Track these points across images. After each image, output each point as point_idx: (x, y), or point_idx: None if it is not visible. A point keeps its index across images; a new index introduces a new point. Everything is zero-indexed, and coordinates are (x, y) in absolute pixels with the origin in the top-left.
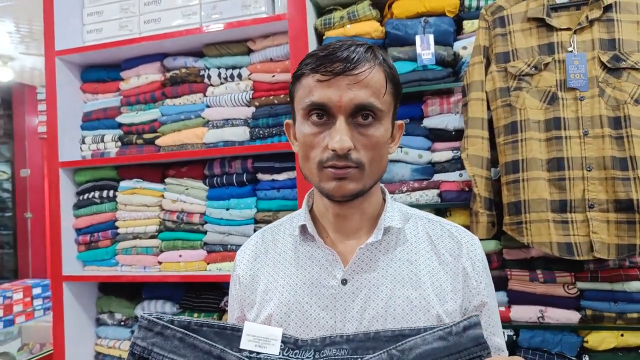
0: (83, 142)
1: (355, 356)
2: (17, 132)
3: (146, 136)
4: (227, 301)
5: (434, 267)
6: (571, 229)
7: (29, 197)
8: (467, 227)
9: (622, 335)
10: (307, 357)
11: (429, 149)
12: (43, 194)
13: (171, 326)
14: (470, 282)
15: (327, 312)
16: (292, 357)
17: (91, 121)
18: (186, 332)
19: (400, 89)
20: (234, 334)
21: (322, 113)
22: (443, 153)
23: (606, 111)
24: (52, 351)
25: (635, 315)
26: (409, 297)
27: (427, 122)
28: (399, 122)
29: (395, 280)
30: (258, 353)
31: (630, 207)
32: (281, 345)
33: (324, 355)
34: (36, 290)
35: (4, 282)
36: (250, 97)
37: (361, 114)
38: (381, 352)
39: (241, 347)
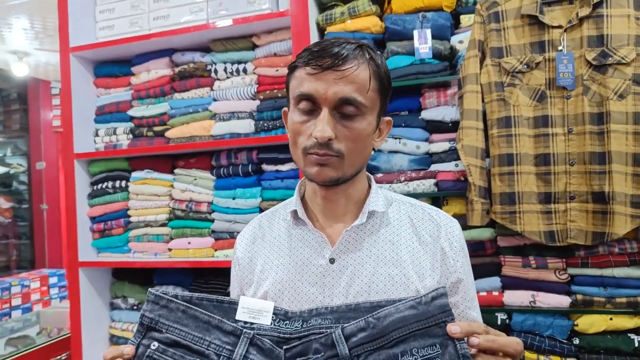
0: (96, 135)
1: (337, 325)
2: (32, 126)
3: (156, 129)
4: None
5: (414, 247)
6: (554, 218)
7: (45, 189)
8: (463, 216)
9: (611, 319)
10: (295, 327)
11: (426, 140)
12: (58, 186)
13: (175, 300)
14: (447, 260)
15: (317, 288)
16: (282, 327)
17: (104, 114)
18: (188, 305)
19: (388, 86)
20: (230, 307)
21: (310, 104)
22: (440, 144)
23: (589, 108)
24: (69, 334)
25: (623, 299)
26: (390, 274)
27: (425, 114)
28: (387, 118)
29: (378, 259)
30: (252, 323)
31: (603, 198)
32: (272, 317)
33: (310, 324)
34: (52, 280)
35: (21, 271)
36: (255, 90)
37: (345, 108)
38: (360, 319)
39: (237, 318)
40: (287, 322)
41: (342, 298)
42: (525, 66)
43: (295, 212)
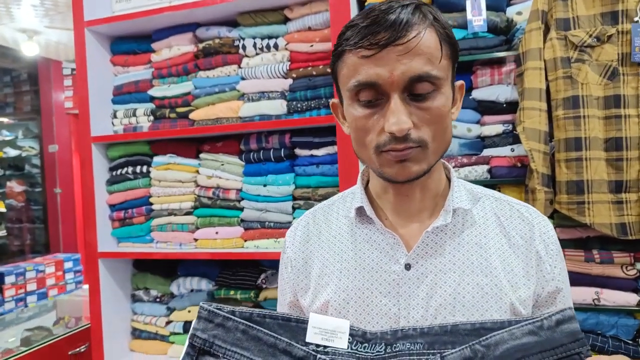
0: (115, 117)
1: (433, 351)
2: (44, 108)
3: (179, 110)
4: (264, 278)
5: (504, 251)
6: (625, 209)
7: (58, 172)
8: None
9: None
10: (379, 352)
11: (478, 122)
12: (72, 169)
13: (233, 317)
14: (544, 266)
15: (390, 298)
16: (362, 352)
17: (122, 95)
18: (249, 323)
19: (457, 48)
20: (299, 326)
21: (373, 92)
22: (493, 127)
23: None
24: (88, 325)
25: None
26: (480, 284)
27: (477, 94)
28: (459, 82)
29: (464, 265)
30: (325, 347)
31: None
32: (349, 339)
33: (397, 349)
34: (67, 264)
35: (36, 256)
36: (288, 68)
37: (417, 87)
38: (463, 347)
39: (307, 340)
40: (367, 344)
41: (422, 311)
42: (596, 39)
43: (361, 209)
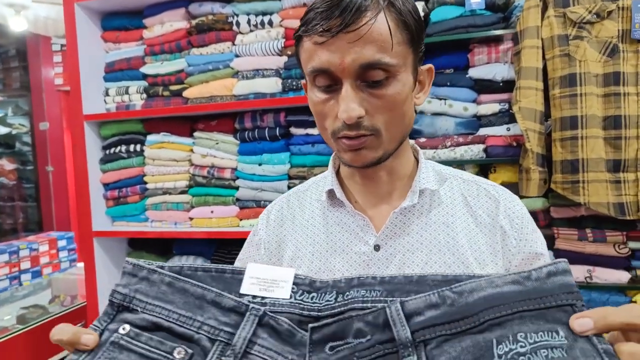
0: (107, 94)
1: (392, 298)
2: (33, 85)
3: (173, 88)
4: None
5: (471, 229)
6: (623, 188)
7: (50, 150)
8: (514, 184)
9: None
10: (328, 301)
11: (474, 101)
12: (63, 147)
13: (160, 270)
14: (508, 240)
15: None
16: (307, 302)
17: (114, 72)
18: (177, 276)
19: (420, 32)
20: (234, 277)
21: (327, 78)
22: (489, 105)
23: None
24: (85, 303)
25: None
26: (447, 262)
27: (473, 72)
28: (427, 66)
29: (431, 245)
30: (263, 298)
31: None
32: (293, 288)
33: (349, 297)
34: (61, 243)
35: (29, 234)
36: (282, 45)
37: (369, 74)
38: (430, 292)
39: (242, 291)
40: (315, 294)
41: None
42: (595, 16)
43: (331, 192)
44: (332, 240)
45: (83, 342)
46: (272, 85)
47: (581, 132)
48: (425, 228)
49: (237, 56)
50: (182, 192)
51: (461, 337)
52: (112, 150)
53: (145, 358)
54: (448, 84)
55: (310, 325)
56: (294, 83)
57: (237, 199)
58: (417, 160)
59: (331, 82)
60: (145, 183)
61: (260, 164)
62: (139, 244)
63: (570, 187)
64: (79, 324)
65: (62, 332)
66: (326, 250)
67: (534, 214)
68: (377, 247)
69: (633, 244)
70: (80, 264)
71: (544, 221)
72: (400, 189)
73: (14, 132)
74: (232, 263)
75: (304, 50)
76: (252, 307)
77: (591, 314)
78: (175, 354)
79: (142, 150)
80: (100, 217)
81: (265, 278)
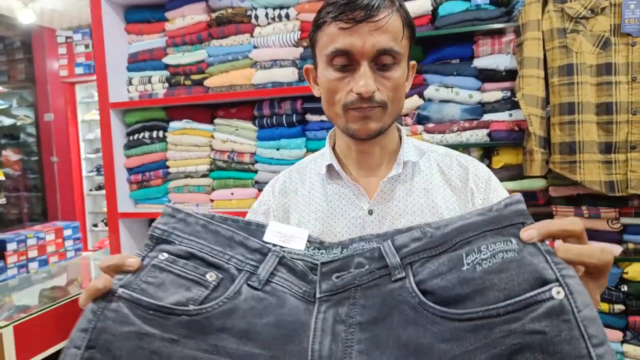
0: (130, 84)
1: (386, 241)
2: (38, 77)
3: (194, 77)
4: None
5: (446, 193)
6: (614, 168)
7: (54, 141)
8: (515, 166)
9: None
10: (334, 253)
11: (479, 89)
12: (68, 138)
13: (195, 214)
14: (475, 200)
15: None
16: (317, 255)
17: (137, 62)
18: (210, 220)
19: (415, 32)
20: (258, 229)
21: (346, 59)
22: (493, 93)
23: None
24: None
25: None
26: (427, 221)
27: (478, 63)
28: (412, 62)
29: (414, 207)
30: (282, 247)
31: None
32: (307, 244)
33: (352, 248)
34: (67, 232)
35: (35, 224)
36: (298, 37)
37: (382, 58)
38: (414, 229)
39: (264, 239)
40: (324, 250)
41: None
42: (590, 11)
43: (330, 166)
44: (332, 207)
45: (128, 264)
46: (288, 74)
47: (578, 117)
48: (409, 194)
49: (255, 47)
50: (204, 176)
51: (439, 256)
52: (135, 137)
53: (182, 278)
54: (455, 73)
55: (320, 261)
56: None
57: (256, 182)
58: (400, 137)
59: (347, 63)
60: (168, 167)
61: (278, 149)
62: None
63: (568, 167)
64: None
65: (109, 258)
66: (327, 216)
67: (534, 193)
68: (370, 212)
69: (625, 220)
70: (86, 253)
71: (543, 199)
72: (387, 162)
73: (18, 123)
74: None
75: (326, 34)
76: (274, 250)
77: (536, 225)
78: (207, 276)
79: (164, 137)
80: (124, 200)
81: (284, 233)
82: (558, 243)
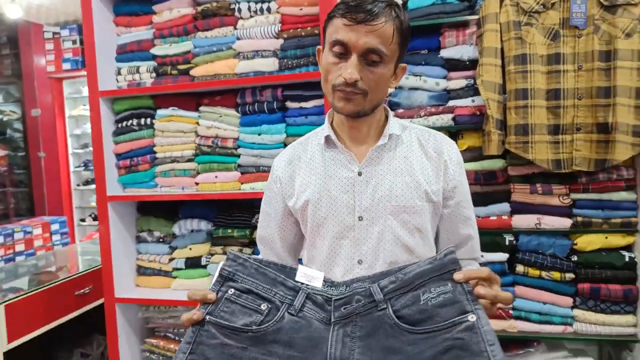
0: (119, 74)
1: (374, 283)
2: (25, 72)
3: (180, 67)
4: (257, 218)
5: (423, 161)
6: (561, 147)
7: (41, 136)
8: (478, 148)
9: (606, 238)
10: (341, 290)
11: (445, 77)
12: (55, 133)
13: (249, 259)
14: (448, 171)
15: (348, 194)
16: (330, 290)
17: (126, 53)
18: (259, 265)
19: (408, 38)
20: (291, 271)
21: (342, 48)
22: (458, 81)
23: (599, 46)
24: (93, 268)
25: (618, 220)
26: (406, 182)
27: (444, 53)
28: (403, 65)
29: (396, 171)
30: (307, 285)
31: (606, 129)
32: (323, 283)
33: (353, 287)
34: (54, 227)
35: (21, 219)
36: (279, 29)
37: (370, 55)
38: (391, 276)
39: (296, 279)
40: (334, 288)
41: (369, 200)
42: (542, 6)
43: (328, 137)
44: (328, 170)
45: (210, 297)
46: (270, 64)
47: (530, 102)
48: (392, 160)
49: (238, 39)
50: (189, 160)
51: (406, 294)
52: (124, 124)
53: (245, 308)
54: (423, 62)
55: (333, 298)
56: (290, 62)
57: (239, 165)
58: (387, 117)
59: (343, 52)
60: (155, 153)
61: (259, 134)
62: (148, 209)
63: (522, 147)
64: (87, 288)
65: (195, 293)
66: (324, 176)
67: (494, 172)
68: (359, 173)
69: (574, 195)
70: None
71: (502, 178)
72: (375, 135)
73: (5, 118)
74: (233, 224)
75: (334, 25)
76: (303, 288)
77: (463, 271)
78: (262, 306)
79: (152, 123)
80: (113, 185)
81: (308, 274)
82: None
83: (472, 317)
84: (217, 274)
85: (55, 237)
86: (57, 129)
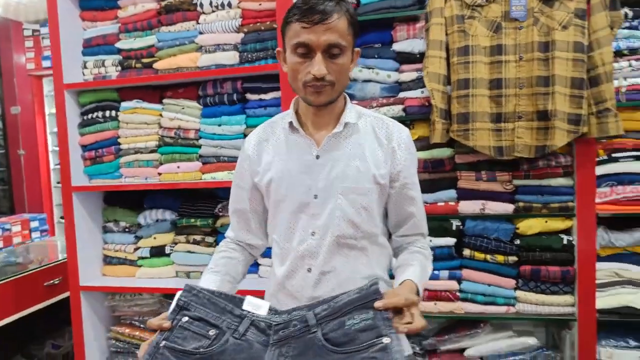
0: (85, 67)
1: (310, 311)
2: (4, 70)
3: (144, 60)
4: (220, 208)
5: (374, 147)
6: (503, 135)
7: (21, 134)
8: (427, 137)
9: (546, 222)
10: (283, 318)
11: (397, 70)
12: (35, 131)
13: (202, 291)
14: (395, 156)
15: (307, 175)
16: (274, 318)
17: (91, 47)
18: (211, 295)
19: (358, 28)
20: (240, 301)
21: (306, 49)
22: (409, 74)
23: (538, 37)
24: (63, 260)
25: (557, 205)
26: (357, 166)
27: (396, 46)
28: (357, 49)
29: (349, 155)
30: (253, 313)
31: (546, 116)
32: (268, 311)
33: (292, 315)
34: (34, 224)
35: (1, 216)
36: (239, 24)
37: (332, 50)
38: (323, 305)
39: (243, 307)
40: (277, 315)
41: (325, 181)
42: (484, 0)
43: (291, 123)
44: (291, 152)
45: (165, 326)
46: (230, 57)
47: (472, 92)
48: (346, 146)
49: (200, 33)
50: (152, 151)
51: (334, 320)
52: (89, 116)
53: (195, 334)
54: (376, 56)
55: (274, 324)
56: (250, 56)
57: (200, 156)
58: (346, 105)
59: (306, 52)
60: (119, 144)
61: (220, 125)
62: (113, 200)
63: (463, 134)
64: (56, 279)
65: (152, 323)
66: (287, 158)
67: (442, 160)
68: (317, 157)
69: (516, 181)
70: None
71: (450, 166)
72: (334, 122)
73: None
74: (197, 214)
75: (292, 29)
76: (248, 315)
77: (383, 300)
78: (210, 332)
79: (116, 116)
80: (79, 176)
81: (255, 303)
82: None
83: (386, 340)
84: (174, 303)
85: (35, 234)
86: (37, 126)
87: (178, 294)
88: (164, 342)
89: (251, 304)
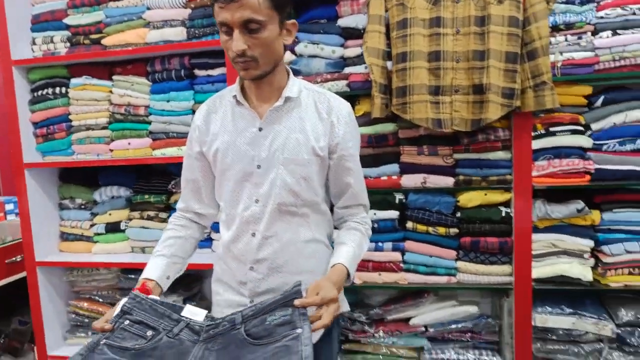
0: (34, 43)
1: (239, 313)
2: None
3: (93, 37)
4: (173, 184)
5: (315, 121)
6: (441, 108)
7: None
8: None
9: (485, 194)
10: (216, 321)
11: (342, 45)
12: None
13: (146, 299)
14: (334, 129)
15: (250, 146)
16: (209, 323)
17: (40, 23)
18: (153, 303)
19: (280, 2)
20: (180, 308)
21: (226, 27)
22: (353, 49)
23: (474, 12)
24: (19, 240)
25: (495, 178)
26: (297, 138)
27: (341, 22)
28: (292, 21)
29: (290, 128)
30: (191, 319)
31: (481, 90)
32: (205, 318)
33: (226, 318)
34: (9, 206)
35: None
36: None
37: (249, 25)
38: (252, 305)
39: (182, 314)
40: (212, 322)
41: (266, 152)
42: None
43: (235, 96)
44: (236, 124)
45: (106, 328)
46: (178, 33)
47: (409, 64)
48: (288, 119)
49: (148, 9)
50: (103, 128)
51: (258, 317)
52: (39, 93)
53: (134, 334)
54: (321, 31)
55: (206, 324)
56: (197, 31)
57: (150, 132)
58: (289, 78)
59: (228, 29)
60: (71, 121)
61: (168, 101)
62: (69, 177)
63: (401, 108)
64: (18, 257)
65: (95, 324)
66: (232, 130)
67: (385, 135)
68: (260, 129)
69: (457, 155)
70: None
71: (393, 141)
72: (277, 96)
73: None
74: (151, 190)
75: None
76: (185, 319)
77: (301, 299)
78: (147, 333)
79: (66, 92)
80: (32, 153)
81: (193, 311)
82: None
83: (299, 330)
84: (119, 308)
85: (10, 217)
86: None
87: (123, 300)
88: (104, 341)
89: (190, 312)
